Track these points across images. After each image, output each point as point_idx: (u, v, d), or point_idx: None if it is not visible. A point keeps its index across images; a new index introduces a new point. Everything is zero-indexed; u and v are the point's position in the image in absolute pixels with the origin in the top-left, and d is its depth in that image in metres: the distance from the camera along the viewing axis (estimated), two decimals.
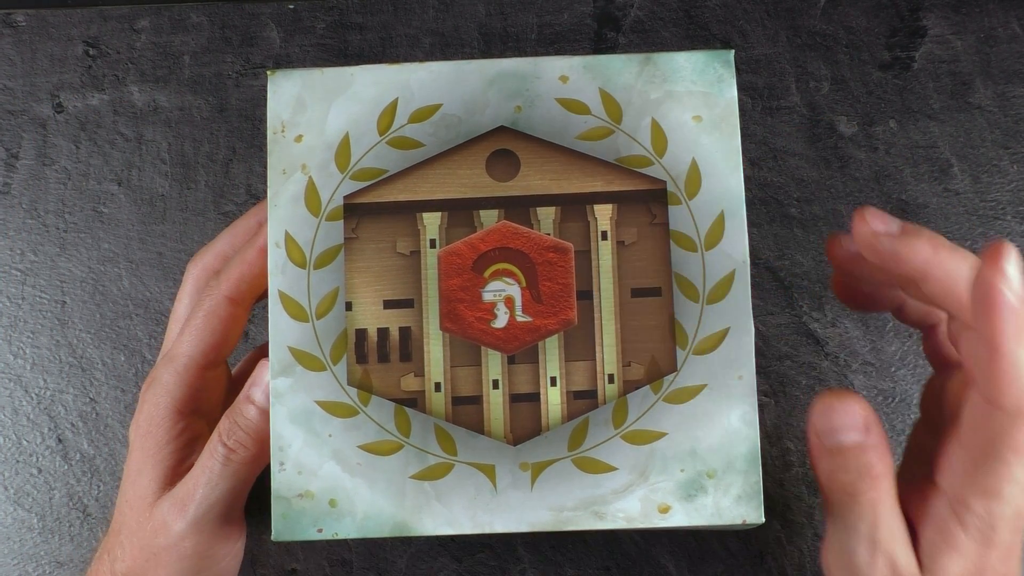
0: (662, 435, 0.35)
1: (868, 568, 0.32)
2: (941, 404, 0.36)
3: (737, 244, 0.36)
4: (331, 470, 0.35)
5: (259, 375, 0.37)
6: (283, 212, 0.36)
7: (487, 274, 0.36)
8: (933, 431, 0.35)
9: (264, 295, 0.42)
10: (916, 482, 0.34)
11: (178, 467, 0.38)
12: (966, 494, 0.32)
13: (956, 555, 0.32)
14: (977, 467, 0.31)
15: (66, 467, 0.47)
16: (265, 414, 0.36)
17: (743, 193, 0.36)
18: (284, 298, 0.36)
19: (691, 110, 0.36)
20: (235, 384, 0.42)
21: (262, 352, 0.45)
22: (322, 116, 0.37)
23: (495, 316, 0.36)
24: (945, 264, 0.32)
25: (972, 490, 0.32)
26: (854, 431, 0.32)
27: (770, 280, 0.47)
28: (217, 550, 0.38)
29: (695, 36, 0.49)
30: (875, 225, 0.33)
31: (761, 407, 0.35)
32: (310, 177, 0.36)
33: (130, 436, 0.39)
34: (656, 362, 0.35)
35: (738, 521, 0.35)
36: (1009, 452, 0.31)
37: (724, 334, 0.35)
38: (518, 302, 0.36)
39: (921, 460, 0.36)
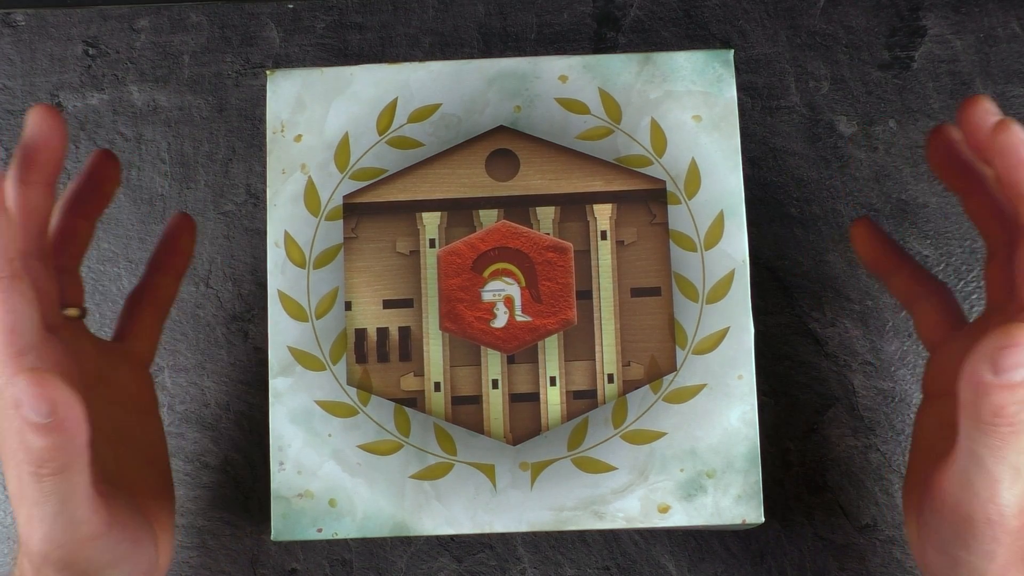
0: (662, 435, 0.35)
1: (1007, 493, 0.33)
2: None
3: (737, 244, 0.36)
4: (331, 470, 0.35)
5: (26, 399, 0.31)
6: (282, 212, 0.36)
7: (487, 274, 0.36)
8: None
9: (77, 249, 0.39)
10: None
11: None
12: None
13: None
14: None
15: None
16: (46, 428, 0.31)
17: (743, 193, 0.36)
18: (284, 298, 0.36)
19: (691, 110, 0.36)
20: (115, 346, 0.40)
21: (133, 301, 0.42)
22: (322, 116, 0.37)
23: (495, 316, 0.36)
24: None
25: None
26: None
27: (770, 280, 0.47)
28: (108, 561, 0.35)
29: (695, 36, 0.49)
30: (1011, 129, 0.34)
31: (761, 407, 0.35)
32: (309, 177, 0.36)
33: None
34: (656, 362, 0.35)
35: (738, 521, 0.35)
36: None
37: (724, 334, 0.35)
38: (518, 302, 0.36)
39: (929, 450, 0.37)
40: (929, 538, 0.36)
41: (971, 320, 0.39)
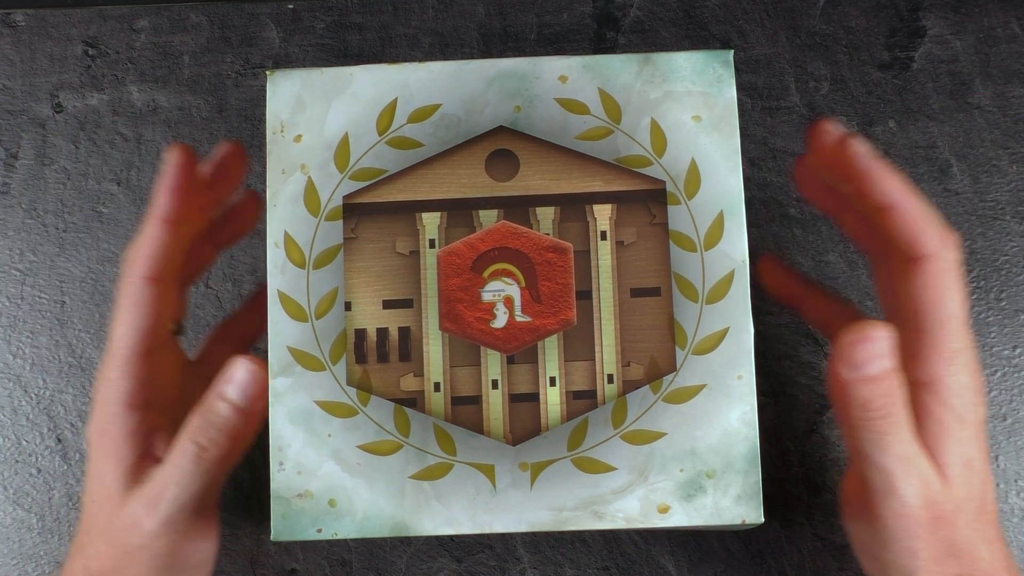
0: (661, 435, 0.35)
1: (904, 485, 0.33)
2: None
3: (736, 244, 0.36)
4: (331, 470, 0.35)
5: (232, 372, 0.36)
6: (282, 212, 0.36)
7: (486, 274, 0.36)
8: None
9: (195, 271, 0.42)
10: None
11: (140, 463, 0.37)
12: (935, 370, 0.35)
13: (953, 442, 0.34)
14: (928, 336, 0.35)
15: (65, 467, 0.47)
16: (238, 411, 0.36)
17: (742, 193, 0.36)
18: (283, 298, 0.36)
19: (690, 110, 0.36)
20: (195, 368, 0.42)
21: (222, 333, 0.44)
22: (321, 116, 0.37)
23: (494, 316, 0.36)
24: (914, 202, 0.36)
25: (936, 360, 0.35)
26: (887, 357, 0.33)
27: None
28: (190, 548, 0.38)
29: (694, 36, 0.49)
30: (852, 144, 0.36)
31: (760, 407, 0.35)
32: (309, 177, 0.36)
33: (88, 438, 0.38)
34: (655, 362, 0.35)
35: (738, 521, 0.35)
36: (942, 309, 0.35)
37: (723, 334, 0.35)
38: (517, 302, 0.36)
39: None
40: (857, 547, 0.37)
41: None
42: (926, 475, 0.34)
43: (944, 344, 0.35)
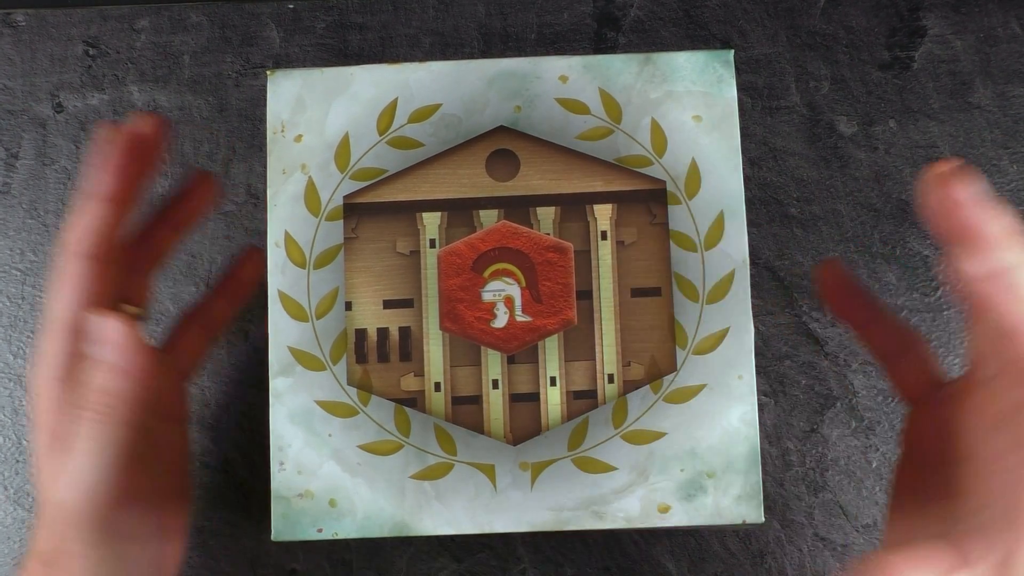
0: (662, 435, 0.35)
1: None
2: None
3: (737, 244, 0.36)
4: (331, 470, 0.35)
5: (98, 333, 0.35)
6: (283, 212, 0.36)
7: (487, 274, 0.36)
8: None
9: (157, 255, 0.41)
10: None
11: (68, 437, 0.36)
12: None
13: None
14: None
15: None
16: (116, 369, 0.35)
17: (743, 193, 0.36)
18: (284, 298, 0.36)
19: (691, 110, 0.36)
20: (161, 356, 0.41)
21: (189, 318, 0.43)
22: (322, 116, 0.37)
23: (495, 316, 0.36)
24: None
25: None
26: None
27: (770, 280, 0.47)
28: (125, 518, 0.36)
29: (695, 36, 0.49)
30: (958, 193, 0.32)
31: (761, 407, 0.35)
32: (310, 177, 0.36)
33: (27, 413, 0.37)
34: (656, 362, 0.35)
35: (738, 521, 0.35)
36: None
37: (724, 334, 0.35)
38: (518, 302, 0.36)
39: (911, 513, 0.36)
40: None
41: (951, 376, 0.38)
42: None
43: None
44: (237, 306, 0.44)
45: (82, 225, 0.36)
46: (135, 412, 0.35)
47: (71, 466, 0.35)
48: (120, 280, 0.38)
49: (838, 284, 0.40)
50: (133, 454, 0.36)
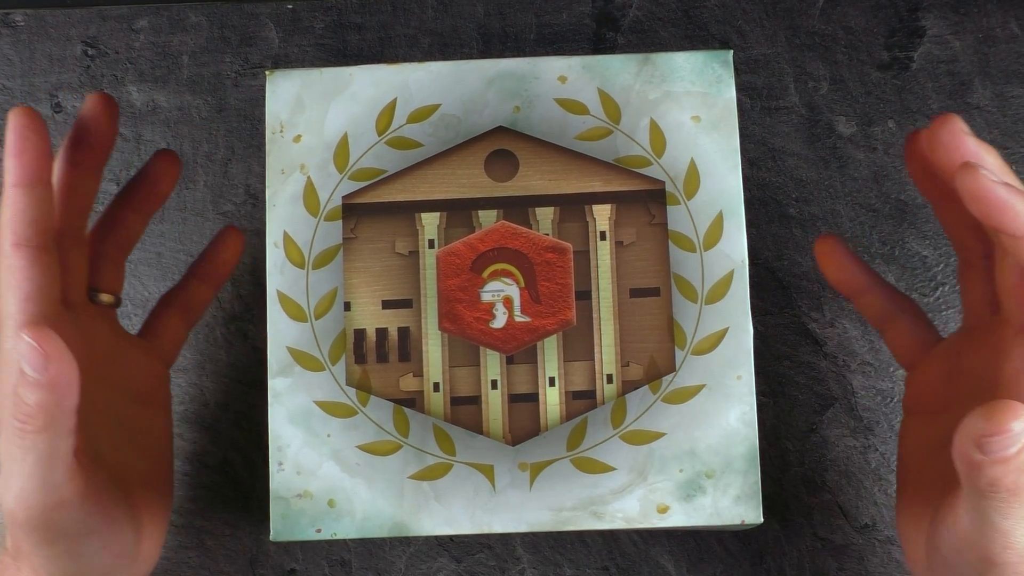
0: (661, 435, 0.35)
1: (1022, 538, 0.32)
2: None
3: (736, 244, 0.36)
4: (330, 470, 0.35)
5: (19, 350, 0.32)
6: (282, 212, 0.36)
7: (486, 274, 0.36)
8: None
9: (124, 240, 0.41)
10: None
11: None
12: None
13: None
14: None
15: None
16: (35, 383, 0.32)
17: (742, 193, 0.36)
18: (283, 298, 0.36)
19: (690, 110, 0.36)
20: (139, 342, 0.41)
21: (166, 302, 0.43)
22: (321, 116, 0.37)
23: (494, 316, 0.36)
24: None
25: None
26: (1021, 437, 0.32)
27: (769, 280, 0.47)
28: (65, 517, 0.35)
29: (694, 36, 0.49)
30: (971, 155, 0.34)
31: (760, 407, 0.35)
32: (309, 177, 0.36)
33: None
34: (655, 362, 0.35)
35: (737, 521, 0.35)
36: None
37: (723, 334, 0.35)
38: (517, 302, 0.36)
39: (918, 471, 0.37)
40: (946, 571, 0.36)
41: (946, 335, 0.40)
42: None
43: None
44: (216, 289, 0.44)
45: (8, 215, 0.34)
46: (64, 417, 0.33)
47: (12, 474, 0.34)
48: (89, 267, 0.38)
49: (835, 256, 0.41)
50: (74, 457, 0.34)
